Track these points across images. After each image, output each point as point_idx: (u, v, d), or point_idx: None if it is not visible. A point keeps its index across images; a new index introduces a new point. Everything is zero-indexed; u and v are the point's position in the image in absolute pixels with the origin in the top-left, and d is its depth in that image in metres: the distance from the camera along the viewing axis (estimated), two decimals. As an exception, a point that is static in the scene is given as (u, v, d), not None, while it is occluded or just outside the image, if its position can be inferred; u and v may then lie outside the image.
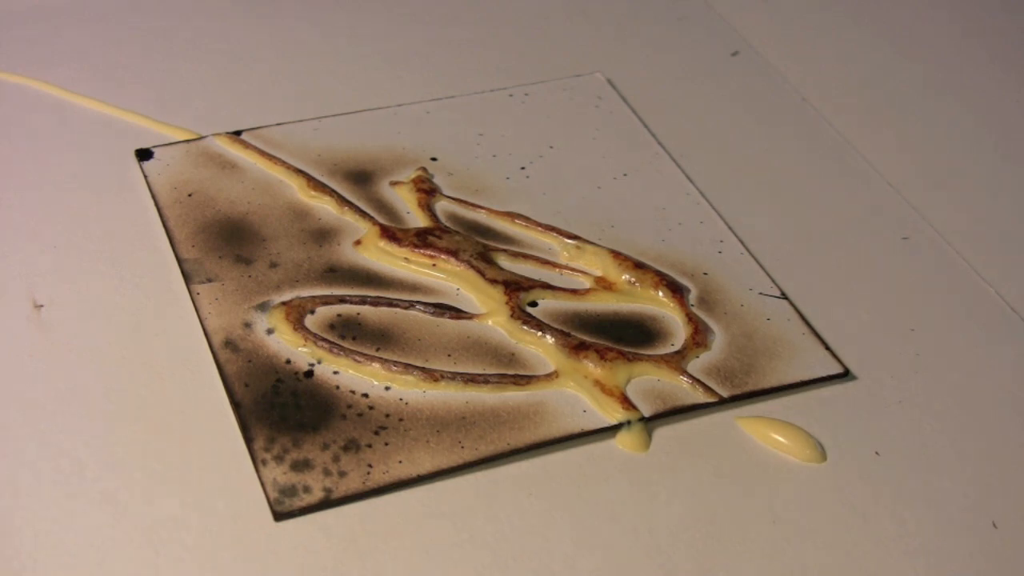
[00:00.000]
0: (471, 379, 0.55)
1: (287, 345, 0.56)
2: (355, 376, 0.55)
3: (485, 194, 0.65)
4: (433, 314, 0.58)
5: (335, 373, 0.55)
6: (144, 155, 0.65)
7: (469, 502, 0.51)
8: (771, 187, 0.68)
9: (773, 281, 0.61)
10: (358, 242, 0.61)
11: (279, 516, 0.49)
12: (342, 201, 0.63)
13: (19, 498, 0.49)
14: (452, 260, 0.60)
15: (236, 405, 0.53)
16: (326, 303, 0.58)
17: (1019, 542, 0.51)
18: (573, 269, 0.61)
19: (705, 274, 0.61)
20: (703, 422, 0.55)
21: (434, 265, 0.60)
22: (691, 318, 0.59)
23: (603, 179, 0.67)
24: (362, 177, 0.65)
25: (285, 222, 0.62)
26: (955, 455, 0.55)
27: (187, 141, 0.66)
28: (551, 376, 0.55)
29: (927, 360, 0.59)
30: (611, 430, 0.54)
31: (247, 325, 0.56)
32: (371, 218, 0.62)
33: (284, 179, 0.64)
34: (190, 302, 0.57)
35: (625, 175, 0.67)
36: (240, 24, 0.76)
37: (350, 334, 0.56)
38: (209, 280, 0.58)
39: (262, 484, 0.50)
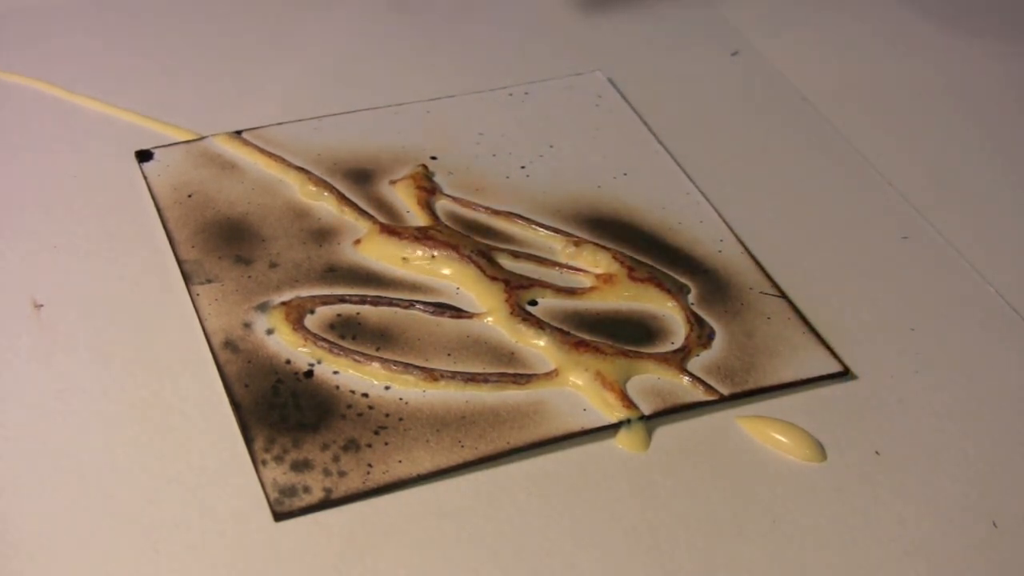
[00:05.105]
0: (471, 378, 0.55)
1: (287, 345, 0.56)
2: (355, 376, 0.55)
3: (485, 193, 0.65)
4: (433, 313, 0.58)
5: (335, 373, 0.55)
6: (144, 156, 0.65)
7: (469, 502, 0.51)
8: (771, 187, 0.68)
9: (773, 281, 0.61)
10: (358, 241, 0.61)
11: (279, 516, 0.49)
12: (342, 200, 0.63)
13: (19, 498, 0.49)
14: (452, 253, 0.60)
15: (236, 405, 0.53)
16: (326, 303, 0.58)
17: (1019, 542, 0.51)
18: (573, 268, 0.61)
19: (705, 273, 0.61)
20: (703, 421, 0.55)
21: (434, 258, 0.60)
22: (691, 317, 0.59)
23: (603, 178, 0.67)
24: (362, 176, 0.65)
25: (285, 222, 0.62)
26: (955, 455, 0.55)
27: (187, 142, 0.66)
28: (551, 375, 0.55)
29: (927, 360, 0.59)
30: (611, 429, 0.54)
31: (247, 325, 0.56)
32: (371, 217, 0.62)
33: (284, 179, 0.64)
34: (190, 303, 0.57)
35: (625, 174, 0.67)
36: (240, 24, 0.76)
37: (350, 334, 0.56)
38: (209, 281, 0.58)
39: (262, 484, 0.50)
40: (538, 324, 0.57)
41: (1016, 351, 0.60)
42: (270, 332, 0.56)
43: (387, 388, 0.54)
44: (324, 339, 0.56)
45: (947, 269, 0.64)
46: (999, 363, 0.59)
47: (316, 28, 0.77)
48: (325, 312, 0.57)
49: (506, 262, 0.61)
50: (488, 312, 0.58)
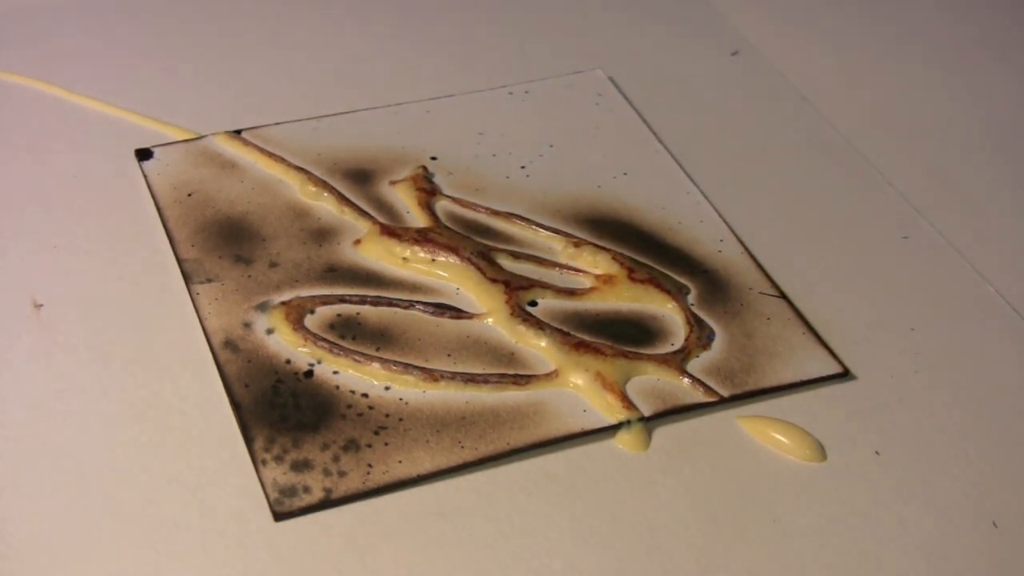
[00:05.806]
0: (471, 379, 0.55)
1: (287, 345, 0.56)
2: (355, 376, 0.55)
3: (485, 193, 0.65)
4: (433, 314, 0.58)
5: (335, 373, 0.55)
6: (144, 155, 0.65)
7: (469, 502, 0.51)
8: (771, 187, 0.68)
9: (772, 281, 0.61)
10: (358, 241, 0.61)
11: (279, 516, 0.49)
12: (342, 200, 0.63)
13: (19, 498, 0.49)
14: (453, 256, 0.60)
15: (236, 405, 0.53)
16: (326, 303, 0.58)
17: (1019, 542, 0.51)
18: (573, 268, 0.61)
19: (705, 273, 0.61)
20: (703, 422, 0.55)
21: (434, 260, 0.60)
22: (691, 318, 0.59)
23: (603, 178, 0.67)
24: (362, 176, 0.65)
25: (285, 222, 0.62)
26: (955, 455, 0.55)
27: (187, 141, 0.66)
28: (551, 375, 0.55)
29: (927, 360, 0.59)
30: (611, 430, 0.54)
31: (247, 325, 0.56)
32: (371, 217, 0.62)
33: (284, 179, 0.64)
34: (190, 302, 0.57)
35: (625, 174, 0.67)
36: (239, 24, 0.76)
37: (350, 334, 0.56)
38: (209, 280, 0.58)
39: (262, 484, 0.50)
40: (538, 325, 0.57)
41: (1016, 351, 0.60)
42: (270, 332, 0.56)
43: (387, 388, 0.54)
44: (324, 339, 0.56)
45: (947, 269, 0.64)
46: (999, 363, 0.59)
47: (316, 28, 0.77)
48: (325, 312, 0.57)
49: (506, 263, 0.61)
50: (488, 313, 0.58)
